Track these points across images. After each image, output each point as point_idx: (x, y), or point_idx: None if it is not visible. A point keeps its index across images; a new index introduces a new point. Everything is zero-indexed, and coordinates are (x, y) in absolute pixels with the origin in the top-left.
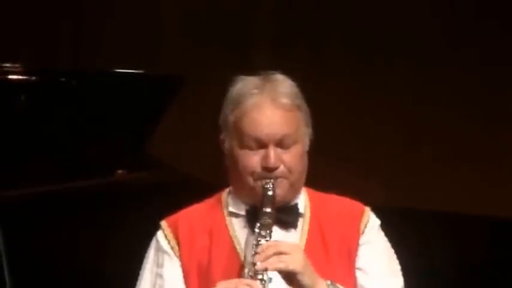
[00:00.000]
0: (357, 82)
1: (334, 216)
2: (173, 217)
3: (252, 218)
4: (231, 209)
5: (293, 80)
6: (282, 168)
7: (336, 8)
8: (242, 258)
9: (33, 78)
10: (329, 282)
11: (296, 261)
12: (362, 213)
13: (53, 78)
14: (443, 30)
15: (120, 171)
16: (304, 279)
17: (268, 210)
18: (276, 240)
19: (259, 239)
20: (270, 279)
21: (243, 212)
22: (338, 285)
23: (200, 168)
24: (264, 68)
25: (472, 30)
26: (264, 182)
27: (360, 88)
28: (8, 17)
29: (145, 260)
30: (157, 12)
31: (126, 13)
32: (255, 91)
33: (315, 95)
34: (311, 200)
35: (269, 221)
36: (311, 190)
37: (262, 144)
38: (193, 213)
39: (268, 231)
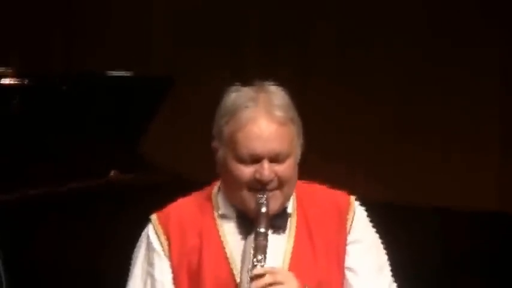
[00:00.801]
0: (344, 79)
1: (321, 213)
2: (163, 212)
3: (243, 223)
4: (221, 211)
5: (282, 78)
6: (275, 181)
7: (324, 7)
8: (231, 263)
9: (26, 81)
10: None
11: (292, 286)
12: (348, 206)
13: (45, 81)
14: (429, 27)
15: (113, 172)
16: None
17: (263, 230)
18: (272, 268)
19: (255, 261)
20: None
21: (233, 216)
22: None
23: (192, 168)
24: (254, 67)
25: (461, 28)
26: (257, 198)
27: (347, 85)
28: (0, 22)
29: (135, 255)
30: (148, 16)
31: (118, 16)
32: (250, 104)
33: (302, 93)
34: (298, 196)
35: (264, 242)
36: (298, 182)
37: (256, 159)
38: (183, 210)
39: (263, 255)
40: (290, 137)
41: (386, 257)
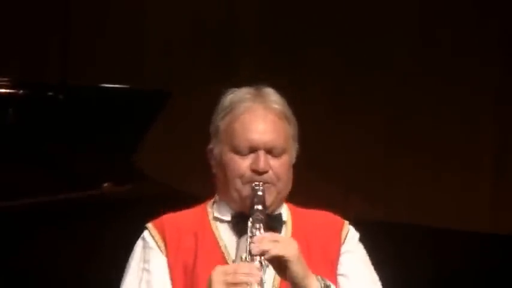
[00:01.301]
0: (337, 93)
1: (316, 227)
2: (159, 220)
3: (238, 222)
4: (216, 215)
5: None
6: (270, 174)
7: (320, 18)
8: (228, 260)
9: (21, 92)
10: (319, 277)
11: (291, 250)
12: (342, 224)
13: (40, 93)
14: (425, 41)
15: (106, 184)
16: (297, 269)
17: (260, 207)
18: (270, 232)
19: (253, 230)
20: (267, 265)
21: (228, 218)
22: (327, 280)
23: (187, 180)
24: (249, 79)
25: (452, 40)
26: (253, 185)
27: (340, 99)
28: None
29: (130, 258)
30: (143, 26)
31: (113, 29)
32: (248, 96)
33: (296, 106)
34: (292, 213)
35: (261, 216)
36: (291, 205)
37: (252, 148)
38: (178, 217)
39: (261, 225)
40: (285, 133)
41: (378, 277)
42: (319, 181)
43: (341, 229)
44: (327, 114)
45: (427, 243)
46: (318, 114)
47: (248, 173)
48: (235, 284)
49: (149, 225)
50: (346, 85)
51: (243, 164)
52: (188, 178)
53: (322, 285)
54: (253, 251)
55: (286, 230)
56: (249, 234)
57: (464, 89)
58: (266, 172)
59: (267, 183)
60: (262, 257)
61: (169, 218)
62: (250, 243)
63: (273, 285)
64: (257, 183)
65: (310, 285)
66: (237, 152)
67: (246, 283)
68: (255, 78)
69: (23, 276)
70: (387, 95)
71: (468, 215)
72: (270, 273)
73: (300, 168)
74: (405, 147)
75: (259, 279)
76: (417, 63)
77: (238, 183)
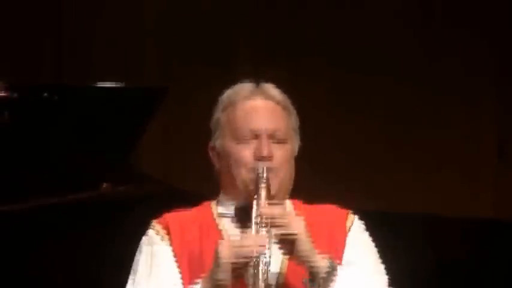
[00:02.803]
0: (337, 91)
1: (320, 220)
2: (162, 216)
3: (242, 215)
4: (219, 210)
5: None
6: (273, 161)
7: (317, 21)
8: None
9: (16, 93)
10: (327, 255)
11: (298, 225)
12: (346, 215)
13: (35, 93)
14: (421, 43)
15: (105, 184)
16: (305, 246)
17: (264, 185)
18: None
19: (259, 201)
20: (274, 240)
21: (232, 212)
22: (333, 261)
23: (186, 179)
24: (248, 78)
25: (450, 44)
26: (257, 170)
27: (340, 97)
28: None
29: (137, 255)
30: (139, 27)
31: (109, 28)
32: (248, 88)
33: (296, 105)
34: (296, 208)
35: (265, 196)
36: (295, 200)
37: (255, 135)
38: (181, 214)
39: (266, 201)
40: (286, 121)
41: (383, 266)
42: (319, 175)
43: (346, 219)
44: (328, 114)
45: (428, 233)
46: (318, 110)
47: (252, 161)
48: (243, 256)
49: (152, 222)
50: (346, 83)
51: (246, 152)
52: (188, 176)
53: (329, 264)
54: (263, 212)
55: None
56: (254, 208)
57: (466, 90)
58: (270, 158)
59: (271, 172)
60: (268, 227)
61: (172, 214)
62: (256, 216)
63: (282, 263)
64: (261, 170)
65: (317, 263)
66: (240, 140)
67: (253, 254)
68: (254, 77)
69: (22, 279)
70: (387, 96)
71: (470, 203)
72: (277, 252)
73: (300, 163)
74: (408, 138)
75: (265, 248)
76: (416, 64)
77: (242, 171)
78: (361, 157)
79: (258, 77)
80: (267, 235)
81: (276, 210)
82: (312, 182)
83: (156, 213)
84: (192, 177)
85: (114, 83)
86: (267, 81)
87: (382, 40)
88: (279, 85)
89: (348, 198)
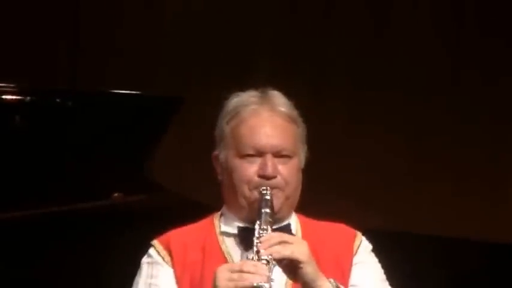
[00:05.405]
0: (357, 109)
1: (326, 239)
2: (164, 235)
3: (245, 237)
4: (223, 228)
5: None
6: (278, 179)
7: (337, 36)
8: None
9: (30, 98)
10: (331, 279)
11: (301, 251)
12: (354, 235)
13: (50, 99)
14: (446, 59)
15: (116, 194)
16: (309, 270)
17: (267, 210)
18: (278, 232)
19: (260, 232)
20: (274, 264)
21: (235, 231)
22: (339, 283)
23: (198, 191)
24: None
25: (474, 56)
26: (261, 189)
27: (360, 115)
28: (4, 38)
29: (137, 276)
30: (157, 32)
31: (125, 34)
32: (253, 99)
33: (315, 123)
34: (302, 224)
35: (269, 219)
36: (302, 216)
37: (259, 152)
38: (184, 232)
39: (268, 227)
40: (293, 136)
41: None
42: (336, 195)
43: (353, 240)
44: (345, 131)
45: (441, 254)
46: (336, 130)
47: (255, 179)
48: (241, 286)
49: (154, 241)
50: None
51: (250, 169)
52: (202, 188)
53: (335, 287)
54: (263, 253)
55: None
56: (256, 235)
57: (485, 108)
58: (274, 177)
59: (275, 188)
60: (270, 256)
61: (175, 234)
62: (257, 243)
63: (285, 284)
64: (264, 188)
65: (322, 286)
66: (244, 156)
67: (251, 281)
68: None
69: (30, 287)
70: (407, 112)
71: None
72: (281, 274)
73: (316, 183)
74: (427, 159)
75: (266, 278)
76: (438, 82)
77: (245, 189)
78: (381, 173)
79: (277, 89)
80: (266, 264)
81: (277, 239)
82: (327, 198)
83: (169, 224)
84: (207, 189)
85: (131, 91)
86: (285, 93)
87: (408, 54)
88: (299, 97)
89: (365, 218)
